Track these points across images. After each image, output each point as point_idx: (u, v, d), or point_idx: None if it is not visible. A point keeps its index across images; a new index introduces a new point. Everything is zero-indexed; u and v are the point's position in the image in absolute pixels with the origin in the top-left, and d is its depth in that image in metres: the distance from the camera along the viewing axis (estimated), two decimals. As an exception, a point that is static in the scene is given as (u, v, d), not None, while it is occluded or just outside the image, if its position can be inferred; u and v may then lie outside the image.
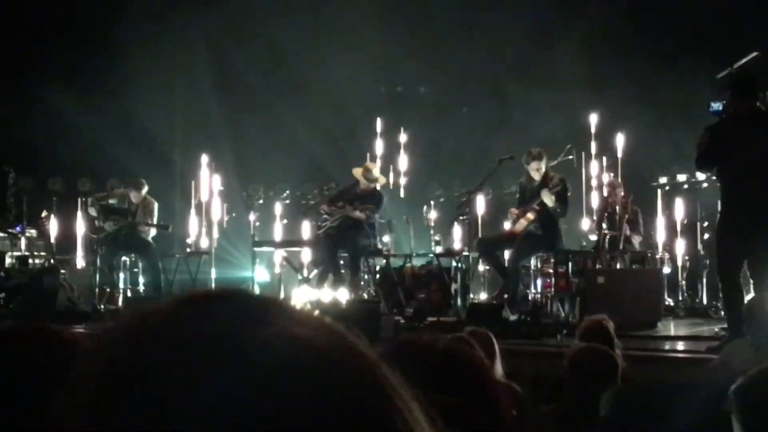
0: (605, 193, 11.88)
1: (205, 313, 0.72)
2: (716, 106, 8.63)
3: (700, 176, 11.68)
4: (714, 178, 9.26)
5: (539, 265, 11.39)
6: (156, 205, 12.62)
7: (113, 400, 0.68)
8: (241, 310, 0.72)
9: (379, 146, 14.04)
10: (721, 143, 7.89)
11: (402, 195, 13.59)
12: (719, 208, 8.23)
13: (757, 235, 7.82)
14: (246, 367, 0.68)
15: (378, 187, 12.09)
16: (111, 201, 12.75)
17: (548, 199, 10.57)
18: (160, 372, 0.68)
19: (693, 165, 8.75)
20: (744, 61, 9.44)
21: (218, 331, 0.70)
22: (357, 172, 12.03)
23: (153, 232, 12.53)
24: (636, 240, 11.91)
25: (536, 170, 10.79)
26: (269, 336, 0.70)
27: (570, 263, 10.42)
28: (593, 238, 11.94)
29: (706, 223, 12.26)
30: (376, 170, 12.14)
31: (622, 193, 11.70)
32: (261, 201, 15.80)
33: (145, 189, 12.60)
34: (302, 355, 0.70)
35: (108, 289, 12.61)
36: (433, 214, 12.76)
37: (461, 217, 11.92)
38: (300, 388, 0.68)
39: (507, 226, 11.27)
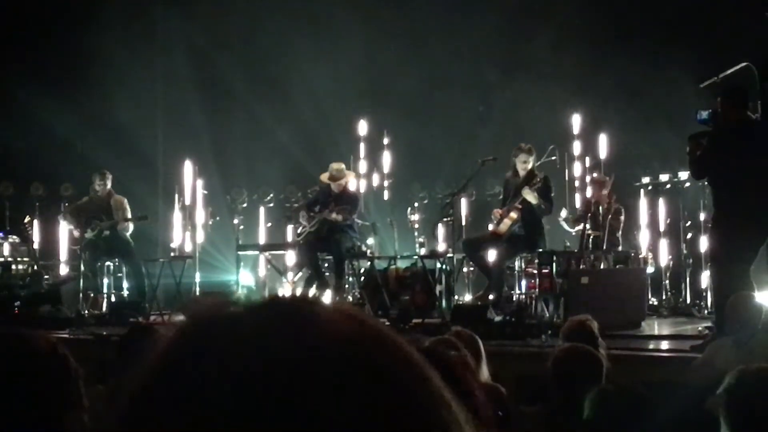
0: (591, 191, 11.88)
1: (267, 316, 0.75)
2: (704, 114, 8.69)
3: (683, 176, 11.73)
4: (704, 183, 9.32)
5: (523, 266, 11.41)
6: (126, 200, 12.60)
7: (165, 386, 0.72)
8: (285, 310, 0.76)
9: (362, 148, 14.04)
10: (715, 152, 7.96)
11: (386, 197, 13.59)
12: (715, 214, 8.29)
13: (752, 241, 7.89)
14: (295, 367, 0.70)
15: (351, 187, 12.08)
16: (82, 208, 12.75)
17: (530, 196, 10.61)
18: (214, 366, 0.71)
19: (676, 165, 8.83)
20: (732, 71, 9.49)
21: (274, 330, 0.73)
22: (324, 176, 11.99)
23: (131, 227, 12.51)
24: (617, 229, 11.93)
25: (523, 163, 10.84)
26: (319, 336, 0.73)
27: (554, 264, 10.43)
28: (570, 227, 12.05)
29: (689, 223, 12.31)
30: (341, 167, 12.08)
31: (606, 191, 11.72)
32: (245, 204, 15.77)
33: (110, 178, 12.57)
34: (348, 352, 0.72)
35: (92, 294, 12.58)
36: (416, 216, 12.78)
37: (445, 219, 11.92)
38: (344, 389, 0.70)
39: (491, 227, 11.28)
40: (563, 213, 12.41)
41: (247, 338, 0.72)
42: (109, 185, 12.58)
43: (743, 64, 9.43)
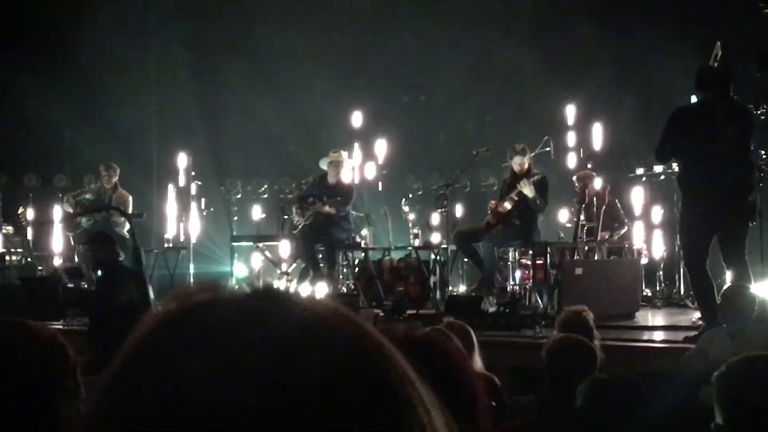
0: (578, 186, 11.88)
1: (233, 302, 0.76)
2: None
3: (677, 168, 11.74)
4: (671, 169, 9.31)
5: (517, 257, 11.42)
6: (130, 198, 12.63)
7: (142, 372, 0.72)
8: (261, 297, 0.77)
9: (356, 139, 14.01)
10: (680, 131, 7.93)
11: (380, 188, 13.58)
12: (681, 197, 8.30)
13: (722, 224, 7.88)
14: (267, 346, 0.71)
15: (347, 177, 12.10)
16: (87, 196, 12.75)
17: (527, 189, 10.65)
18: (191, 354, 0.71)
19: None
20: (720, 54, 9.49)
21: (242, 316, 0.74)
22: (324, 162, 12.06)
23: (127, 225, 12.51)
24: (618, 233, 11.94)
25: (519, 165, 10.95)
26: (294, 317, 0.74)
27: (548, 255, 10.46)
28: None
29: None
30: (338, 155, 12.11)
31: (597, 187, 11.71)
32: (239, 195, 15.76)
33: (117, 171, 12.62)
34: (324, 336, 0.73)
35: (86, 285, 12.56)
36: (410, 207, 12.79)
37: (439, 210, 11.94)
38: (321, 368, 0.70)
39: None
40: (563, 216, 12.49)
41: (219, 327, 0.72)
42: (115, 179, 12.61)
43: (718, 44, 9.45)
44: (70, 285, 10.81)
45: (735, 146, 7.86)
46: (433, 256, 11.32)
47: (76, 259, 12.72)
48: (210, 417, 0.68)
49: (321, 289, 10.69)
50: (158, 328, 0.75)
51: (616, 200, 12.03)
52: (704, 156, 7.80)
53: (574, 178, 11.90)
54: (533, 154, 11.31)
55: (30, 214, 13.88)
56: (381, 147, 13.51)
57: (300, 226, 11.81)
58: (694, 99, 8.61)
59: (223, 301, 0.76)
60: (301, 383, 0.69)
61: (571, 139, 12.82)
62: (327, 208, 11.54)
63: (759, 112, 9.79)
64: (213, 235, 14.51)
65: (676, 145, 7.99)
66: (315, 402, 0.69)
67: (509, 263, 11.50)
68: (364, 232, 12.52)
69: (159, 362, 0.72)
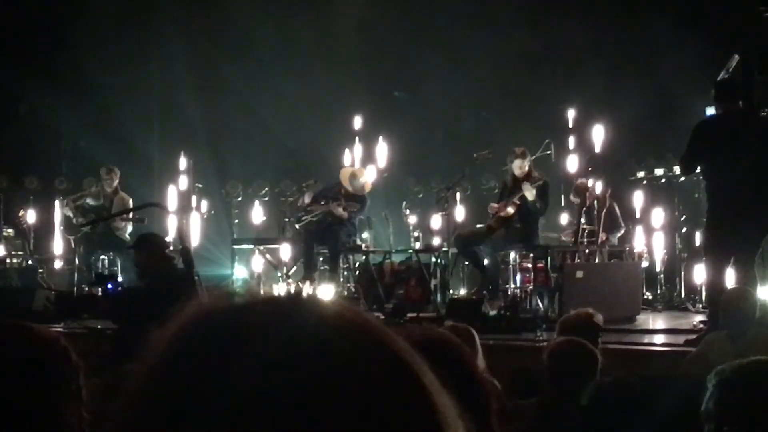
0: (577, 196, 11.87)
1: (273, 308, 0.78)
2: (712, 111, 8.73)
3: (677, 170, 11.76)
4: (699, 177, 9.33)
5: (518, 260, 11.43)
6: (131, 201, 12.62)
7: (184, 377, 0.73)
8: (296, 303, 0.78)
9: (357, 142, 14.03)
10: (704, 145, 7.97)
11: (381, 191, 13.58)
12: (706, 207, 8.31)
13: (744, 232, 7.89)
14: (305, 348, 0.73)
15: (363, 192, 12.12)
16: (87, 201, 12.75)
17: (529, 192, 10.65)
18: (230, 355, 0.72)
19: (671, 160, 8.84)
20: (734, 65, 9.53)
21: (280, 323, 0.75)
22: (344, 174, 12.04)
23: (129, 228, 12.51)
24: (615, 236, 11.94)
25: (519, 168, 10.93)
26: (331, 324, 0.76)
27: (549, 258, 10.46)
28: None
29: (683, 217, 12.33)
30: (363, 177, 12.14)
31: (598, 192, 11.71)
32: (239, 198, 15.76)
33: (118, 175, 12.62)
34: (345, 346, 0.74)
35: (86, 288, 12.57)
36: (411, 210, 12.79)
37: (440, 213, 11.94)
38: (359, 371, 0.72)
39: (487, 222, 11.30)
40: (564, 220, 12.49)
41: (249, 331, 0.73)
42: (116, 182, 12.61)
43: (735, 56, 9.47)
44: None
45: (758, 156, 7.89)
46: (433, 259, 11.31)
47: (77, 262, 12.71)
48: (245, 415, 0.69)
49: (323, 292, 10.68)
50: (198, 326, 0.76)
51: (615, 203, 12.04)
52: (729, 167, 7.83)
53: (572, 191, 11.93)
54: (534, 157, 11.30)
55: (31, 216, 13.87)
56: (382, 150, 13.51)
57: (305, 222, 11.82)
58: (709, 111, 8.64)
59: (259, 304, 0.78)
60: (342, 386, 0.71)
61: (571, 141, 12.82)
62: (341, 211, 11.54)
63: (761, 115, 9.80)
64: (214, 238, 14.50)
65: (699, 157, 8.03)
66: (353, 404, 0.70)
67: (510, 266, 11.50)
68: (365, 235, 12.51)
69: (198, 361, 0.73)
